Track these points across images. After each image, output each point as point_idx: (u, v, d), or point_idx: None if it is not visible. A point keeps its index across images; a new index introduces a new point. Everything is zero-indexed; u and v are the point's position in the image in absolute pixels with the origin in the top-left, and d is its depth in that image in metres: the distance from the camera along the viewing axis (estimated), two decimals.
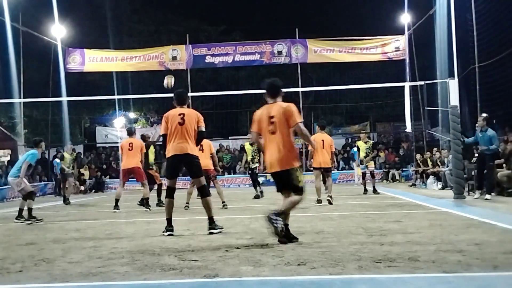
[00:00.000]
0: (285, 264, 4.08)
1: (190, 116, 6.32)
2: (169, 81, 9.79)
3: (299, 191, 5.23)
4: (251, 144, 12.60)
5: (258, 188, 12.85)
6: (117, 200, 10.16)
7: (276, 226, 4.99)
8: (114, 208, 10.04)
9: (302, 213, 8.54)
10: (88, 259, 4.63)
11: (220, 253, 4.72)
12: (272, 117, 5.29)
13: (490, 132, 10.55)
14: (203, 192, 6.27)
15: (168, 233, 6.10)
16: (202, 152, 10.07)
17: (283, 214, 5.13)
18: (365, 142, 13.64)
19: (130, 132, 10.82)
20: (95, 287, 3.68)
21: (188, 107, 6.65)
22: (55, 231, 6.93)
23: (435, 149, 16.91)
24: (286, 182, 5.27)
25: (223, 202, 10.34)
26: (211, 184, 10.46)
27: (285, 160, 5.23)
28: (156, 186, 11.75)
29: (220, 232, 6.11)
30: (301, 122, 5.29)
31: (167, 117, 6.35)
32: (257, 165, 12.80)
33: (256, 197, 12.53)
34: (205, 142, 10.19)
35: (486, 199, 10.17)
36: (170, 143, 6.22)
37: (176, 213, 9.37)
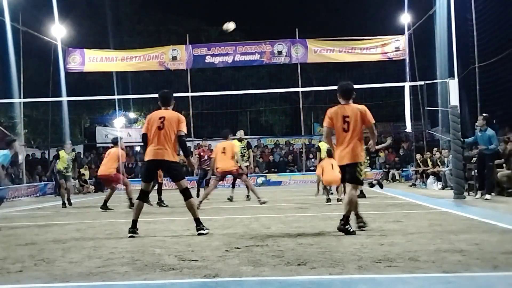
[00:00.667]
0: (285, 264, 4.08)
1: (170, 120, 6.19)
2: (229, 26, 9.90)
3: (357, 183, 5.89)
4: (240, 140, 12.21)
5: (233, 190, 12.31)
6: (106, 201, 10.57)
7: (351, 231, 5.61)
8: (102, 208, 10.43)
9: (302, 213, 8.54)
10: (88, 259, 4.63)
11: (220, 253, 4.72)
12: (347, 116, 5.84)
13: (490, 131, 10.55)
14: (185, 195, 6.20)
15: (130, 234, 6.03)
16: (225, 154, 10.22)
17: (348, 216, 5.68)
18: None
19: (113, 142, 11.43)
20: (95, 287, 3.68)
21: (174, 108, 6.53)
22: (55, 231, 6.93)
23: (435, 149, 16.91)
24: (350, 174, 5.84)
25: (258, 199, 10.35)
26: (241, 183, 10.54)
27: (353, 154, 5.81)
28: (156, 186, 11.77)
29: (208, 233, 6.08)
30: (374, 123, 6.05)
31: (149, 119, 6.33)
32: (247, 163, 12.24)
33: (230, 199, 11.93)
34: (228, 144, 10.46)
35: (486, 199, 10.17)
36: (149, 146, 6.19)
37: (176, 213, 9.40)
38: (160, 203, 11.34)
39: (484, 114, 11.03)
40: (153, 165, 6.26)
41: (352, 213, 5.82)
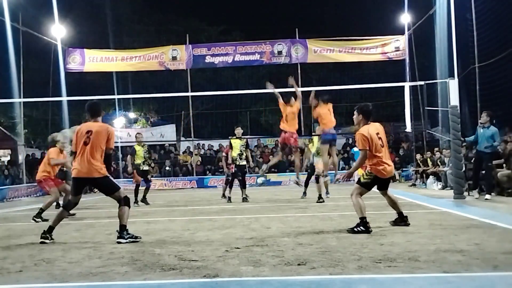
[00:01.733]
0: (285, 264, 4.09)
1: (98, 134, 5.94)
2: None
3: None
4: (240, 138, 11.96)
5: (230, 190, 11.85)
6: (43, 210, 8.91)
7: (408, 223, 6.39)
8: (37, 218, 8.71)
9: (302, 213, 8.55)
10: (88, 259, 4.63)
11: (220, 253, 4.72)
12: (378, 133, 6.35)
13: (493, 129, 10.49)
14: (121, 203, 6.02)
15: (41, 240, 5.80)
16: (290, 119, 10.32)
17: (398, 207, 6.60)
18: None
19: (50, 141, 10.00)
20: (95, 287, 3.68)
21: (102, 119, 6.29)
22: (55, 231, 6.91)
23: (436, 149, 16.91)
24: (388, 184, 6.59)
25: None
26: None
27: (393, 168, 6.70)
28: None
29: (129, 242, 5.66)
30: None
31: (77, 133, 6.05)
32: (244, 162, 11.82)
33: (228, 198, 11.73)
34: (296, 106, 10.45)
35: (486, 199, 10.16)
36: (76, 161, 5.93)
37: (176, 213, 9.40)
38: (136, 202, 11.61)
39: (487, 111, 11.02)
40: (81, 182, 6.02)
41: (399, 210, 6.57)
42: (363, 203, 6.13)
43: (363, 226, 5.91)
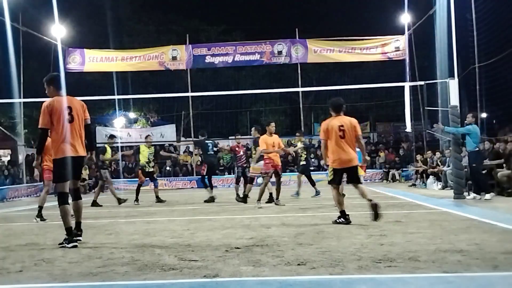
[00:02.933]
0: (285, 264, 4.08)
1: (77, 109, 5.73)
2: None
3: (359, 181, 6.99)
4: (148, 147, 12.39)
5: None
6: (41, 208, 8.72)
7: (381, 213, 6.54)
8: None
9: (302, 213, 8.55)
10: (88, 259, 4.63)
11: (220, 253, 4.72)
12: (342, 126, 6.77)
13: (469, 127, 10.29)
14: (76, 195, 5.74)
15: (72, 244, 5.34)
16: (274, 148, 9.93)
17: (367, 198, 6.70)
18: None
19: None
20: (95, 287, 3.68)
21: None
22: (55, 231, 6.92)
23: (437, 151, 16.93)
24: (354, 175, 6.88)
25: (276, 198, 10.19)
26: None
27: (354, 158, 6.84)
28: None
29: (74, 246, 5.35)
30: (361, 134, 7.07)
31: (51, 109, 5.59)
32: (152, 169, 12.43)
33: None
34: (276, 138, 10.06)
35: (480, 198, 10.14)
36: (59, 142, 5.55)
37: (177, 213, 9.40)
38: (158, 201, 11.79)
39: (472, 112, 11.08)
40: (69, 162, 5.56)
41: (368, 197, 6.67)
42: (341, 198, 6.87)
43: (343, 218, 6.68)
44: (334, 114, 6.99)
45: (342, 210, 6.75)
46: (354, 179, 6.88)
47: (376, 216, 6.42)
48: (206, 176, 12.19)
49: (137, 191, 12.16)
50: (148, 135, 13.86)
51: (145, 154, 12.29)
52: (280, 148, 10.21)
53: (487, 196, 10.22)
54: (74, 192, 5.75)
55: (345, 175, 6.97)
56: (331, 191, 6.99)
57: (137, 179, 12.79)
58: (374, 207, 6.43)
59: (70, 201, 5.69)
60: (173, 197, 12.49)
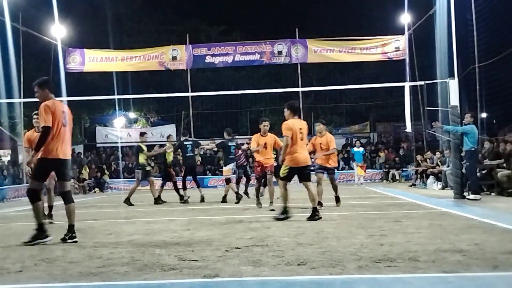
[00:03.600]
0: (285, 264, 4.09)
1: (69, 115, 6.00)
2: None
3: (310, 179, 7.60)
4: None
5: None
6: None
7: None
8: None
9: (302, 213, 8.54)
10: (88, 259, 4.63)
11: (220, 253, 4.72)
12: (301, 128, 7.43)
13: (467, 127, 10.29)
14: (67, 198, 5.86)
15: (47, 239, 5.64)
16: (266, 149, 9.57)
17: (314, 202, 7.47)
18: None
19: None
20: (95, 287, 3.68)
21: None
22: (55, 231, 6.91)
23: (437, 151, 16.93)
24: (307, 174, 7.54)
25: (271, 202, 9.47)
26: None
27: (308, 159, 7.65)
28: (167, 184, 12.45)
29: (74, 242, 5.66)
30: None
31: (53, 111, 5.72)
32: (149, 168, 12.37)
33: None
34: (269, 139, 9.58)
35: (479, 199, 10.06)
36: (53, 143, 5.66)
37: (177, 213, 9.40)
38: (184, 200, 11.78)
39: (471, 112, 11.04)
40: (56, 164, 5.74)
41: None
42: (287, 195, 7.40)
43: (285, 213, 7.30)
44: (292, 116, 7.50)
45: (286, 206, 7.37)
46: (306, 178, 7.52)
47: (311, 218, 7.20)
48: (187, 177, 12.37)
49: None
50: (144, 132, 13.55)
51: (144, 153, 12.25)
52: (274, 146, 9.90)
53: (471, 196, 10.13)
54: (65, 195, 5.88)
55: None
56: (280, 187, 7.51)
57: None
58: (314, 212, 7.24)
59: (65, 203, 5.85)
60: (173, 197, 12.48)
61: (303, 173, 7.50)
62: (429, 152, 17.43)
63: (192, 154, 12.40)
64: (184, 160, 12.81)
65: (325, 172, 9.58)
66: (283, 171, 7.44)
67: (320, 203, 8.77)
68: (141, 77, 26.22)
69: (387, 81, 17.56)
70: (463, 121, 10.69)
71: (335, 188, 9.65)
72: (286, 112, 7.60)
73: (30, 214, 8.85)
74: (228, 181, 11.82)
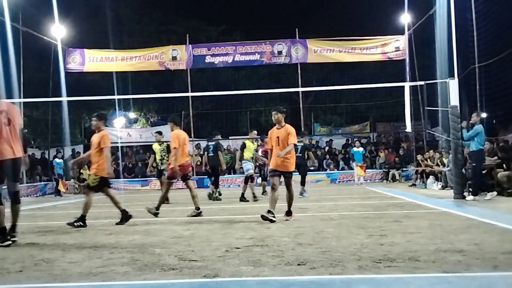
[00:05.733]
0: (285, 264, 4.09)
1: (12, 113, 5.81)
2: None
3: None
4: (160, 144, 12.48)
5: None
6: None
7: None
8: None
9: (302, 213, 8.55)
10: (88, 259, 4.63)
11: (220, 253, 4.72)
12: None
13: (477, 127, 10.27)
14: (17, 198, 5.84)
15: (7, 243, 5.53)
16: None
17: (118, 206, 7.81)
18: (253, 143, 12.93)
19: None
20: (95, 287, 3.68)
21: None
22: (55, 231, 6.92)
23: (437, 151, 16.93)
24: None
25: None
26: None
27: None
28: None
29: (14, 241, 5.62)
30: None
31: None
32: (164, 166, 11.91)
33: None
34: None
35: (467, 199, 10.04)
36: (1, 145, 5.60)
37: (177, 213, 9.41)
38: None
39: (477, 112, 11.04)
40: (8, 164, 5.66)
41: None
42: (90, 204, 7.46)
43: (82, 222, 7.28)
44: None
45: (84, 215, 7.35)
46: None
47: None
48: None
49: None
50: (160, 131, 13.62)
51: (157, 151, 12.25)
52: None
53: (469, 197, 10.14)
54: (14, 195, 5.83)
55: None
56: (88, 196, 7.64)
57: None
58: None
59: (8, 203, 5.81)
60: (173, 197, 12.47)
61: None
62: (431, 151, 17.42)
63: (212, 154, 12.50)
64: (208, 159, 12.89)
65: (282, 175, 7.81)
66: (93, 181, 7.60)
67: (270, 211, 7.24)
68: (141, 77, 26.22)
69: (387, 81, 17.55)
70: (470, 121, 10.70)
71: (290, 198, 7.92)
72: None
73: (33, 214, 8.90)
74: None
